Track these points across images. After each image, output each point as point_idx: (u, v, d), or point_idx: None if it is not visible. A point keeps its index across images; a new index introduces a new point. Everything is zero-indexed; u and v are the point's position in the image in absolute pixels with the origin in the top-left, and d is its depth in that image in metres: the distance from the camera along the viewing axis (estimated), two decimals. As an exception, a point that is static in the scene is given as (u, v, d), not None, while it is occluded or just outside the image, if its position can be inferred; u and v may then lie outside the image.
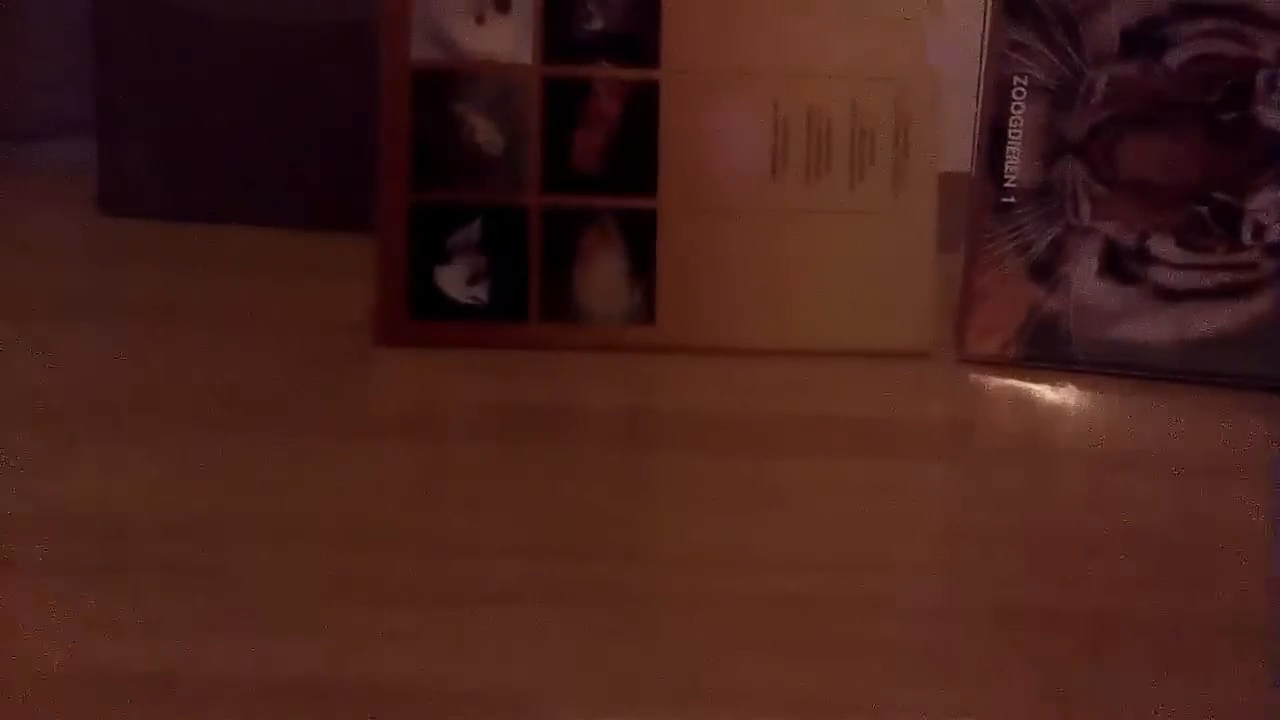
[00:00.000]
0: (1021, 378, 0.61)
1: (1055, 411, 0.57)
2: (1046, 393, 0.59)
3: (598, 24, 0.62)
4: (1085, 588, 0.40)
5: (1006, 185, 0.61)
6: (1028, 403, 0.58)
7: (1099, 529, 0.45)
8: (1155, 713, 0.33)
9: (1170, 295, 0.61)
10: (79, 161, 0.98)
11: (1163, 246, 0.61)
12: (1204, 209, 0.60)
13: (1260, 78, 0.59)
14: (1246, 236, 0.60)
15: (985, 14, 0.62)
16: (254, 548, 0.40)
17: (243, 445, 0.48)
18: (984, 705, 0.33)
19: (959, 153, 0.65)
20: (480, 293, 0.62)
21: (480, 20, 0.61)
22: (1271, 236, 0.60)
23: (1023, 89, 0.61)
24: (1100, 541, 0.43)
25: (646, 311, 0.62)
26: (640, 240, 0.62)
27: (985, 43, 0.62)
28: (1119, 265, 0.61)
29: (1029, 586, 0.40)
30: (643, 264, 0.62)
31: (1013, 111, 0.61)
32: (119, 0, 0.87)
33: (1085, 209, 0.61)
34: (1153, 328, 0.61)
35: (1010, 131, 0.61)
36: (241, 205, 0.86)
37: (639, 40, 0.62)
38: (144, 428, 0.49)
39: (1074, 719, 0.33)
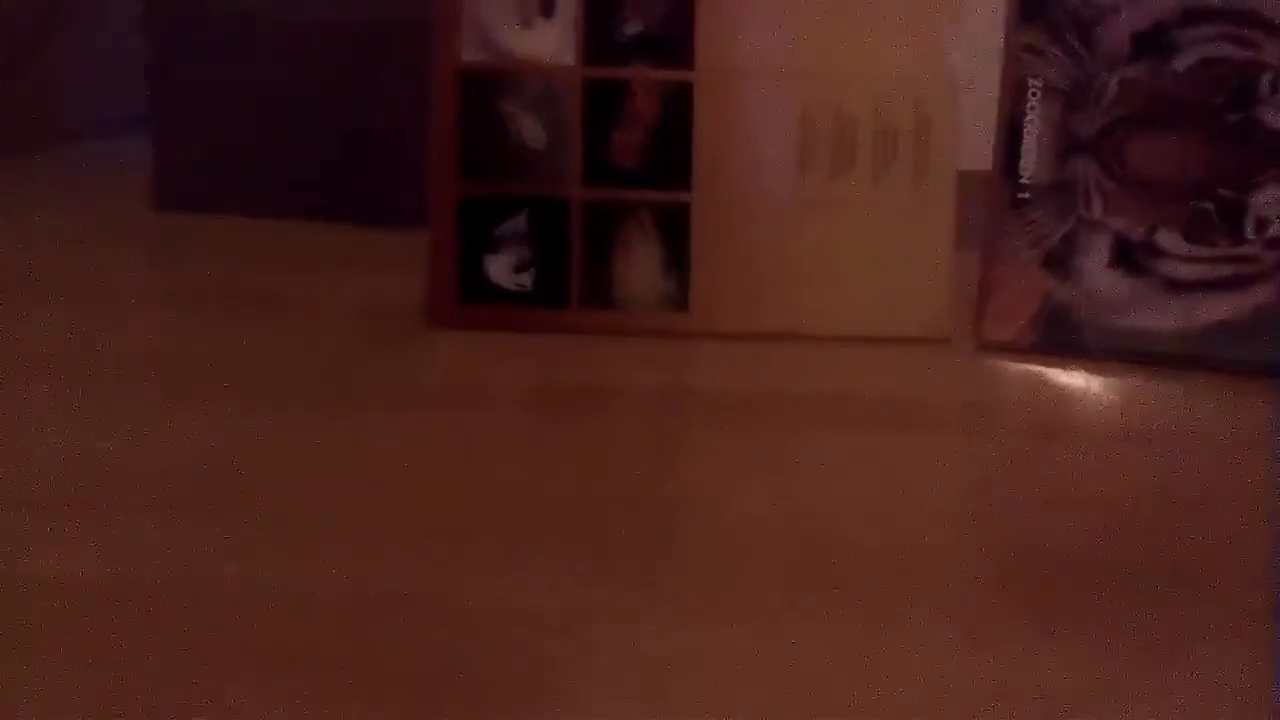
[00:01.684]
0: (1035, 363, 0.64)
1: (1065, 393, 0.60)
2: (1058, 376, 0.62)
3: (636, 28, 0.65)
4: (1079, 537, 0.44)
5: (1022, 182, 0.65)
6: (1040, 385, 0.61)
7: (1098, 491, 0.48)
8: (1131, 640, 0.37)
9: (1176, 286, 0.64)
10: (127, 159, 1.03)
11: (1170, 240, 0.64)
12: (1209, 205, 0.64)
13: (1264, 80, 0.62)
14: (1249, 231, 0.63)
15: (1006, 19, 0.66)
16: (329, 497, 0.44)
17: (309, 415, 0.52)
18: (979, 622, 0.37)
19: (980, 152, 0.68)
20: (525, 280, 0.65)
21: (526, 24, 0.65)
22: (1273, 231, 0.63)
23: (1037, 90, 0.64)
24: (1099, 501, 0.47)
25: (681, 299, 0.66)
26: (675, 232, 0.66)
27: (1003, 47, 0.66)
28: (1128, 258, 0.64)
29: (1025, 534, 0.44)
30: (677, 254, 0.66)
31: (1028, 112, 0.65)
32: (171, 3, 0.91)
33: (1096, 204, 0.64)
34: (1160, 317, 0.64)
35: (1025, 131, 0.65)
36: (289, 201, 0.90)
37: (674, 43, 0.65)
38: (222, 400, 0.54)
39: (1056, 636, 0.37)
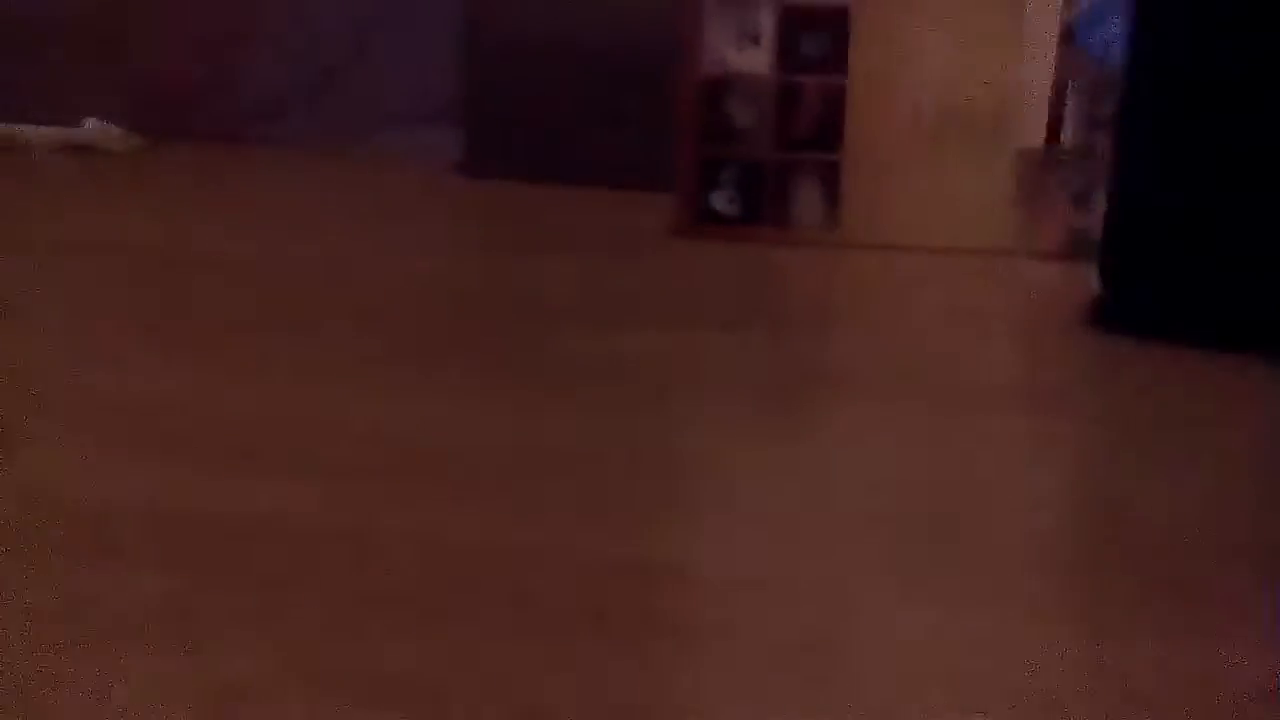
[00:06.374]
0: (1064, 264, 0.99)
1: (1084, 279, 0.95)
2: (1079, 270, 0.97)
3: (811, 50, 1.02)
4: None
5: (1062, 149, 0.99)
6: (1068, 275, 0.96)
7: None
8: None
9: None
10: (420, 145, 1.40)
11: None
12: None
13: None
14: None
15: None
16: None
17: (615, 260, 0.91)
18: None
19: (1035, 132, 1.03)
20: (734, 209, 1.03)
21: (740, 49, 1.03)
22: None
23: (1073, 89, 0.99)
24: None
25: (835, 221, 1.02)
26: (832, 179, 1.02)
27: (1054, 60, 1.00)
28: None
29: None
30: (833, 193, 1.02)
31: (1067, 102, 0.99)
32: (483, 26, 1.29)
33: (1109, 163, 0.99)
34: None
35: (1065, 116, 0.99)
36: (570, 171, 1.28)
37: (836, 60, 1.02)
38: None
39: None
